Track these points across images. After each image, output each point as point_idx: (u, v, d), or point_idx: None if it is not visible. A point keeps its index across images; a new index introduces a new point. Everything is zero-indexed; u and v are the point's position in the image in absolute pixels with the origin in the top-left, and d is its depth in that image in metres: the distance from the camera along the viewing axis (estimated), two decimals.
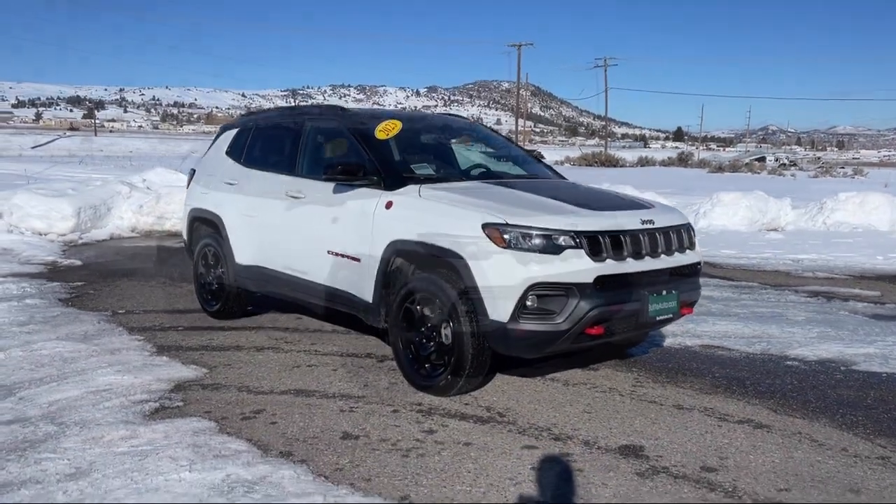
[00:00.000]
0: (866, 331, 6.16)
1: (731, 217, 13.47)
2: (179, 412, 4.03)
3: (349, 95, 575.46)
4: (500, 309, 4.02)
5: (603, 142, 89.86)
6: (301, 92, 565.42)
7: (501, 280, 4.02)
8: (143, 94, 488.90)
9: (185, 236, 6.77)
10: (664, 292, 4.34)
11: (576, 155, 64.82)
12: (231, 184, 6.04)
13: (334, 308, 5.16)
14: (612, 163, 58.67)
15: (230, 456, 3.42)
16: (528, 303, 4.00)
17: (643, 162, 61.94)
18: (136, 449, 3.48)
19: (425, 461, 3.45)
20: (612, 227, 4.19)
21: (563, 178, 5.73)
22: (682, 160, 62.36)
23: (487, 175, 5.35)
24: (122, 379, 4.51)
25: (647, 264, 4.30)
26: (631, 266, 4.21)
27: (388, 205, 4.62)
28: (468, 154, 5.81)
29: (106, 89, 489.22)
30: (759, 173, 48.40)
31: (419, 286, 4.39)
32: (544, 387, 4.62)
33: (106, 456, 3.40)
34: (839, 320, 6.55)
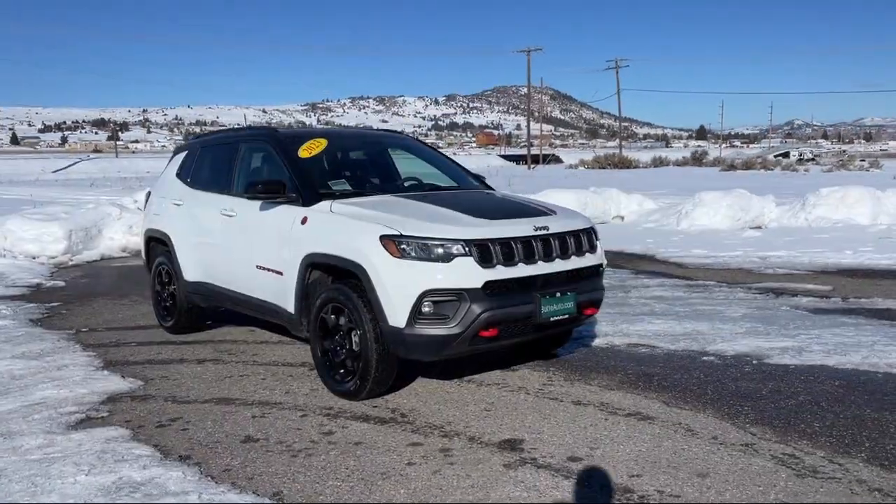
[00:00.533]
0: (797, 325, 6.31)
1: (712, 217, 13.58)
2: (102, 422, 4.32)
3: (368, 107, 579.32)
4: (397, 315, 4.28)
5: (624, 143, 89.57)
6: (321, 105, 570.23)
7: (397, 288, 4.27)
8: (165, 115, 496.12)
9: (143, 256, 7.11)
10: (558, 294, 4.56)
11: (590, 158, 64.80)
12: (178, 204, 6.37)
13: (267, 319, 5.45)
14: (625, 164, 58.62)
15: (130, 460, 3.70)
16: (424, 308, 4.25)
17: (657, 162, 61.81)
18: (47, 456, 3.77)
19: (311, 460, 3.70)
20: (503, 234, 4.42)
21: (490, 189, 5.97)
22: (697, 159, 62.13)
23: (418, 187, 5.59)
24: (59, 393, 4.82)
25: (541, 268, 4.53)
26: (522, 271, 4.44)
27: (304, 220, 4.89)
28: (407, 167, 6.09)
29: (129, 111, 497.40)
30: (772, 170, 48.16)
31: (331, 296, 4.65)
32: (457, 388, 4.86)
33: (18, 463, 3.69)
34: (775, 316, 6.71)
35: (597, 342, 5.97)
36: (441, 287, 4.24)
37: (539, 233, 4.57)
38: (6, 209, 15.65)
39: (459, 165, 6.22)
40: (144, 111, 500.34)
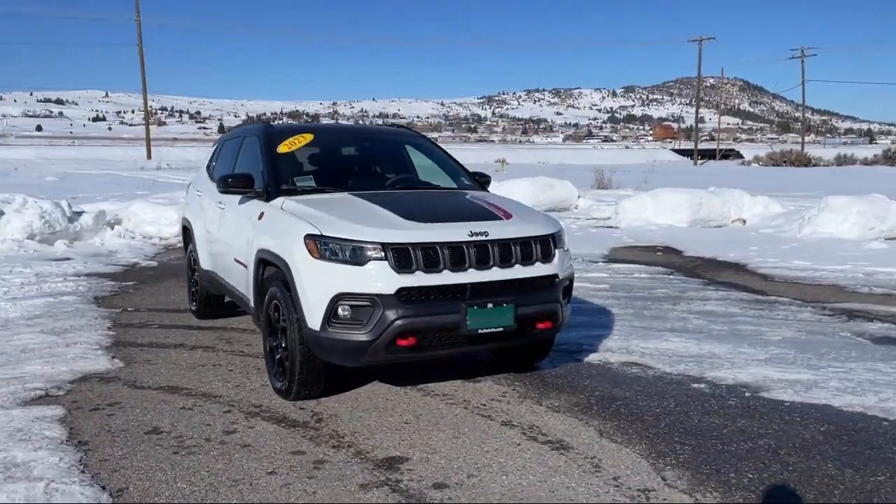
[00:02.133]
0: (837, 355, 5.48)
1: (839, 224, 12.15)
2: (51, 401, 4.57)
3: (543, 99, 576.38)
4: (314, 317, 4.18)
5: (820, 138, 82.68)
6: (496, 98, 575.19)
7: (314, 289, 4.17)
8: (352, 107, 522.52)
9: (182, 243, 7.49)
10: (490, 305, 4.24)
11: (764, 153, 60.43)
12: (199, 195, 6.64)
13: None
14: (803, 162, 54.10)
15: (33, 441, 3.87)
16: (340, 312, 4.12)
17: (841, 161, 56.46)
18: None
19: (187, 459, 3.69)
20: (428, 238, 4.17)
21: (482, 189, 5.67)
22: (890, 158, 55.96)
23: (398, 186, 5.42)
24: (42, 369, 5.16)
25: (471, 276, 4.23)
26: (446, 278, 4.17)
27: (261, 216, 4.91)
28: (415, 163, 5.95)
29: (321, 103, 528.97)
30: None
31: (273, 293, 4.63)
32: (399, 396, 4.67)
33: None
34: (822, 342, 5.87)
35: (592, 357, 5.52)
36: (353, 291, 4.08)
37: (474, 238, 4.27)
38: (168, 192, 17.18)
39: (459, 164, 5.96)
40: (334, 104, 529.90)
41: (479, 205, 4.83)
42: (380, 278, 4.07)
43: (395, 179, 5.53)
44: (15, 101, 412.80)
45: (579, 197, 17.29)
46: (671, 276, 9.05)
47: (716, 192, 14.49)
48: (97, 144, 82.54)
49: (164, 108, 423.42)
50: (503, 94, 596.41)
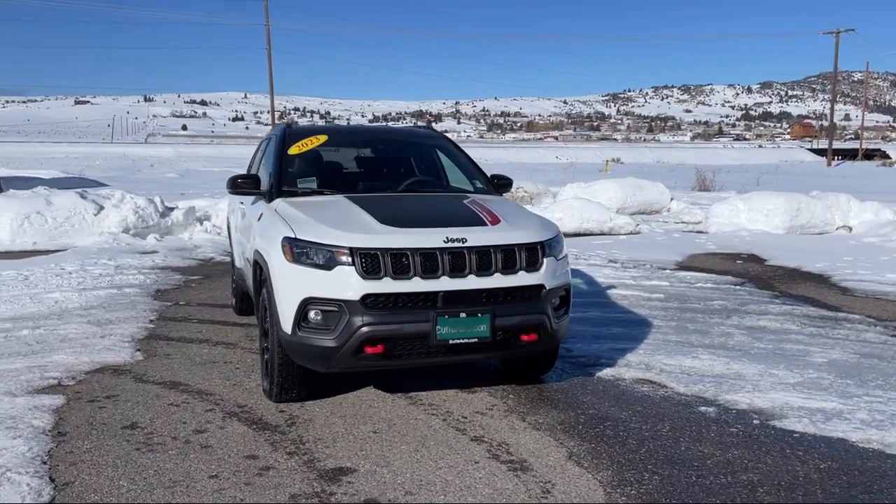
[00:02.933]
0: (885, 383, 4.94)
1: None
2: (59, 390, 4.78)
3: (672, 96, 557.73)
4: (286, 320, 4.17)
5: None
6: (622, 95, 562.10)
7: (286, 292, 4.16)
8: (474, 106, 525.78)
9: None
10: (462, 315, 4.06)
11: None
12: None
13: None
14: None
15: (17, 429, 4.06)
16: (310, 316, 4.09)
17: None
18: None
19: (146, 457, 3.75)
20: (398, 244, 4.05)
21: (493, 193, 5.45)
22: None
23: (410, 189, 5.31)
24: (66, 359, 5.43)
25: (443, 284, 4.07)
26: (416, 285, 4.03)
27: (260, 216, 4.95)
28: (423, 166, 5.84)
29: (444, 103, 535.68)
30: None
31: (263, 294, 4.66)
32: (382, 403, 4.58)
33: None
34: (874, 367, 5.29)
35: (605, 372, 5.21)
36: (321, 296, 4.03)
37: (450, 245, 4.11)
38: None
39: (475, 167, 5.76)
40: (457, 103, 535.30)
41: (469, 209, 4.65)
42: (346, 284, 4.00)
43: (400, 182, 5.42)
44: (164, 102, 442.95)
45: (672, 199, 16.53)
46: (738, 287, 8.46)
47: (818, 197, 13.47)
48: (231, 143, 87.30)
49: (296, 109, 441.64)
50: (629, 91, 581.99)
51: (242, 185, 5.17)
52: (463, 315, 4.07)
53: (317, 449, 3.86)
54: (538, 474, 3.57)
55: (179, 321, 6.80)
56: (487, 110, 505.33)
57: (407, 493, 3.37)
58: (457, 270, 4.12)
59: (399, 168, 5.76)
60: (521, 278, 4.26)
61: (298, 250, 4.13)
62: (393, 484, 3.46)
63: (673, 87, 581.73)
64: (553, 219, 13.77)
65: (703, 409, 4.49)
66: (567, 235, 13.33)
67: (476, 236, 4.20)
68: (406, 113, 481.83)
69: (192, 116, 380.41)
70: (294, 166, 5.35)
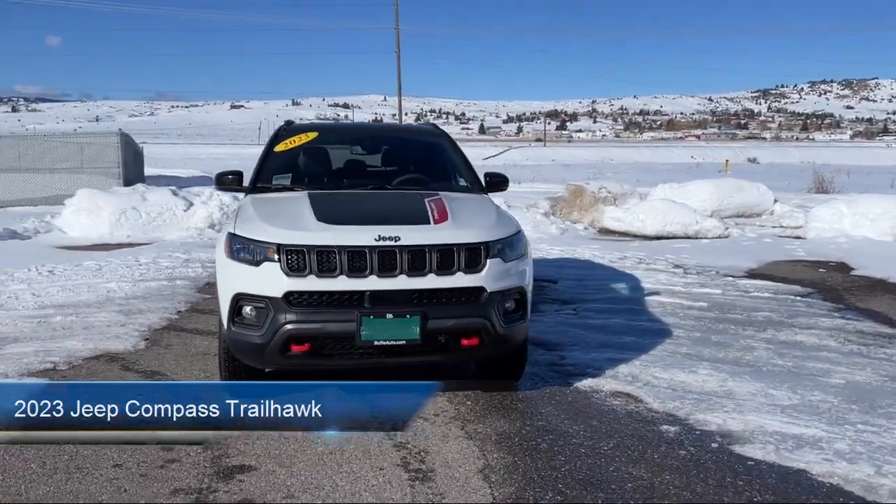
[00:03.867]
0: (893, 412, 4.31)
1: None
2: (48, 374, 5.04)
3: (830, 91, 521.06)
4: (224, 315, 4.20)
5: None
6: (773, 92, 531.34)
7: (222, 287, 4.21)
8: (612, 105, 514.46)
9: None
10: (389, 316, 3.92)
11: None
12: None
13: None
14: None
15: None
16: (244, 312, 4.09)
17: None
18: None
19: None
20: (326, 242, 3.97)
21: (475, 192, 5.21)
22: None
23: (379, 186, 5.18)
24: (76, 345, 5.74)
25: (371, 284, 3.94)
26: (342, 284, 3.93)
27: (236, 212, 5.02)
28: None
29: (580, 102, 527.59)
30: None
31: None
32: None
33: None
34: (889, 391, 4.69)
35: (585, 383, 4.89)
36: (249, 292, 4.03)
37: (381, 244, 3.97)
38: None
39: (465, 164, 5.54)
40: (593, 102, 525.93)
41: (423, 207, 4.46)
42: (271, 280, 3.97)
43: (380, 179, 5.33)
44: (310, 105, 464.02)
45: (776, 202, 15.36)
46: (799, 298, 7.71)
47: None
48: None
49: (432, 110, 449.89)
50: (781, 87, 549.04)
51: (226, 180, 5.26)
52: (390, 316, 3.93)
53: (234, 446, 3.85)
54: (435, 486, 3.39)
55: (205, 313, 7.03)
56: (625, 109, 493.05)
57: (287, 496, 3.30)
58: (387, 270, 3.98)
59: (384, 165, 5.68)
60: (459, 280, 4.05)
61: (235, 246, 4.15)
62: (281, 485, 3.39)
63: (832, 81, 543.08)
64: (633, 221, 13.21)
65: (664, 427, 4.10)
66: (647, 238, 12.79)
67: (412, 235, 4.05)
68: (540, 113, 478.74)
69: (335, 119, 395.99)
70: (277, 163, 5.39)
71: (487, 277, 4.11)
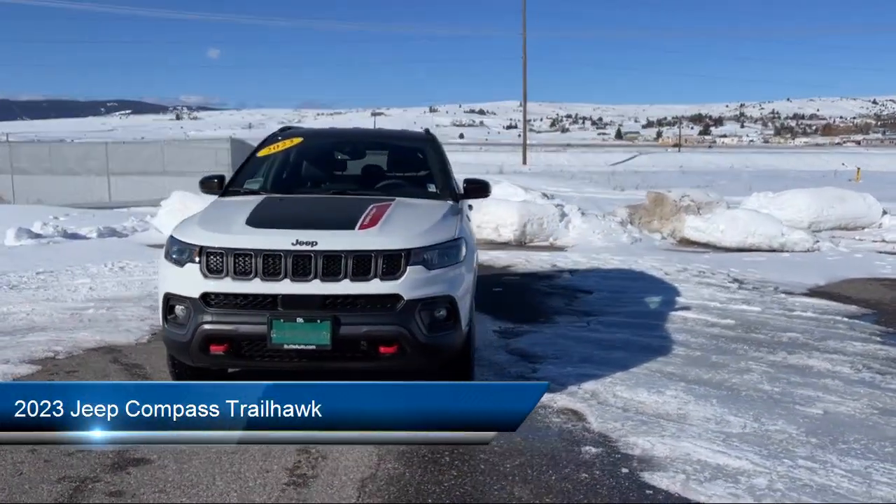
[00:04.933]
0: (855, 448, 3.85)
1: None
2: (45, 362, 5.43)
3: None
4: (160, 313, 4.37)
5: None
6: None
7: (159, 287, 4.40)
8: (762, 108, 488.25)
9: None
10: (300, 320, 3.93)
11: None
12: None
13: None
14: None
15: None
16: (175, 311, 4.25)
17: None
18: None
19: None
20: (243, 245, 4.06)
21: (451, 201, 5.11)
22: None
23: (341, 191, 5.23)
24: (84, 336, 6.14)
25: (284, 287, 3.98)
26: (255, 287, 4.00)
27: None
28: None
29: (727, 106, 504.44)
30: None
31: None
32: None
33: None
34: (868, 426, 4.26)
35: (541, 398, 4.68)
36: (174, 292, 4.19)
37: (296, 248, 4.00)
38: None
39: (444, 172, 5.47)
40: (742, 105, 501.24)
41: (360, 212, 4.42)
42: (191, 281, 4.10)
43: (349, 184, 5.36)
44: (447, 112, 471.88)
45: (884, 214, 14.01)
46: (846, 319, 7.02)
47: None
48: (498, 150, 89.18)
49: (568, 116, 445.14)
50: None
51: (210, 185, 5.46)
52: (300, 320, 3.96)
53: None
54: (307, 493, 3.37)
55: None
56: (777, 112, 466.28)
57: (160, 492, 3.39)
58: (301, 274, 4.01)
59: (363, 171, 5.71)
60: (374, 286, 4.01)
61: (171, 247, 4.33)
62: (160, 481, 3.49)
63: None
64: (713, 231, 12.50)
65: (586, 448, 3.88)
66: (727, 250, 12.07)
67: (331, 240, 4.05)
68: (683, 117, 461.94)
69: (469, 125, 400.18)
70: (254, 168, 5.55)
71: (405, 285, 4.04)
